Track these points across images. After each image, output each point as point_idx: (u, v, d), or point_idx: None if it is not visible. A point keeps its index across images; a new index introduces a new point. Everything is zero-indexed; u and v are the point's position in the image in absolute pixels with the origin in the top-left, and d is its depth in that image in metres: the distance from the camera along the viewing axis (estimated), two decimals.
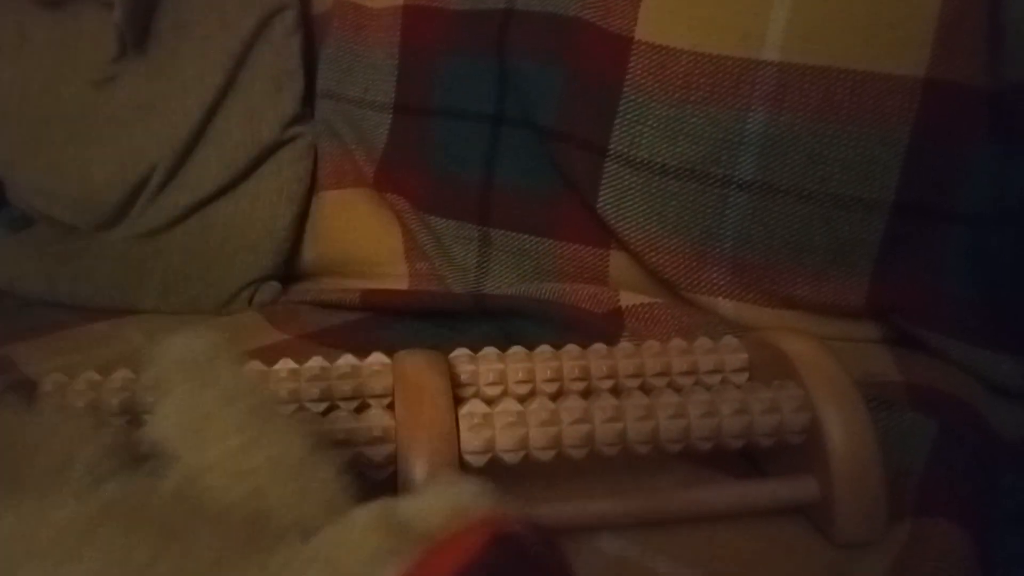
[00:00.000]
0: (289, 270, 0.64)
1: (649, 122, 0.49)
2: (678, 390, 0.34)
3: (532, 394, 0.36)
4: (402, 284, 0.61)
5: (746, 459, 0.38)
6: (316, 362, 0.37)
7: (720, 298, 0.50)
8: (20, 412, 0.26)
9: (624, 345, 0.38)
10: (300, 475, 0.24)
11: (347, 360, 0.37)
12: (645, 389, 0.36)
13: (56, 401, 0.34)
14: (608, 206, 0.51)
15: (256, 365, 0.36)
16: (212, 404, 0.25)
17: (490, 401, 0.34)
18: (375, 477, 0.32)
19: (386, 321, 0.57)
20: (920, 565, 0.29)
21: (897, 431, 0.36)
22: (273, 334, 0.55)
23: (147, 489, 0.23)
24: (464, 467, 0.32)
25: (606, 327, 0.50)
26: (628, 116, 0.50)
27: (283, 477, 0.24)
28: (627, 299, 0.52)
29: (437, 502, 0.23)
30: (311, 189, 0.64)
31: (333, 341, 0.52)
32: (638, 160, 0.50)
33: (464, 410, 0.33)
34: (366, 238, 0.62)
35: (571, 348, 0.38)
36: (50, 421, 0.25)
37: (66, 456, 0.24)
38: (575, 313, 0.52)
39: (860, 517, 0.32)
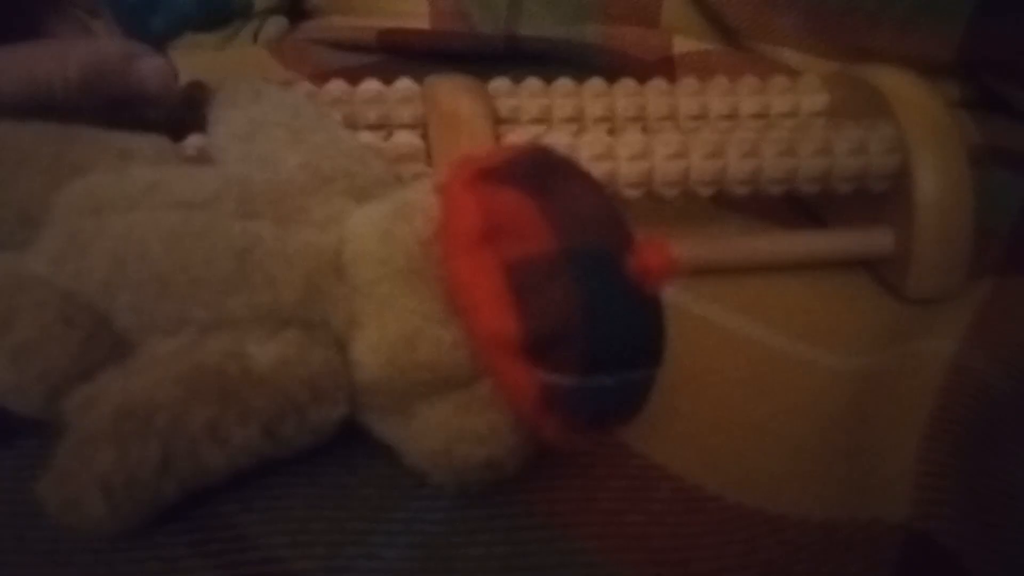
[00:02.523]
0: (295, 6, 0.57)
1: None
2: None
3: (581, 133, 0.32)
4: (422, 25, 0.54)
5: (803, 213, 0.35)
6: (336, 85, 0.32)
7: (787, 48, 0.44)
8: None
9: (688, 81, 0.33)
10: (350, 156, 0.25)
11: (371, 84, 0.32)
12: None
13: None
14: None
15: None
16: (261, 114, 0.26)
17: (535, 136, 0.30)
18: None
19: (407, 65, 0.51)
20: (1003, 323, 0.27)
21: (984, 189, 0.32)
22: (282, 73, 0.50)
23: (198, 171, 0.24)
24: None
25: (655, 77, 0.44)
26: None
27: (333, 154, 0.25)
28: (681, 45, 0.46)
29: None
30: None
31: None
32: None
33: (507, 140, 0.30)
34: None
35: (626, 82, 0.33)
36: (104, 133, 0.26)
37: (127, 150, 0.25)
38: (621, 60, 0.46)
39: (940, 272, 0.29)
